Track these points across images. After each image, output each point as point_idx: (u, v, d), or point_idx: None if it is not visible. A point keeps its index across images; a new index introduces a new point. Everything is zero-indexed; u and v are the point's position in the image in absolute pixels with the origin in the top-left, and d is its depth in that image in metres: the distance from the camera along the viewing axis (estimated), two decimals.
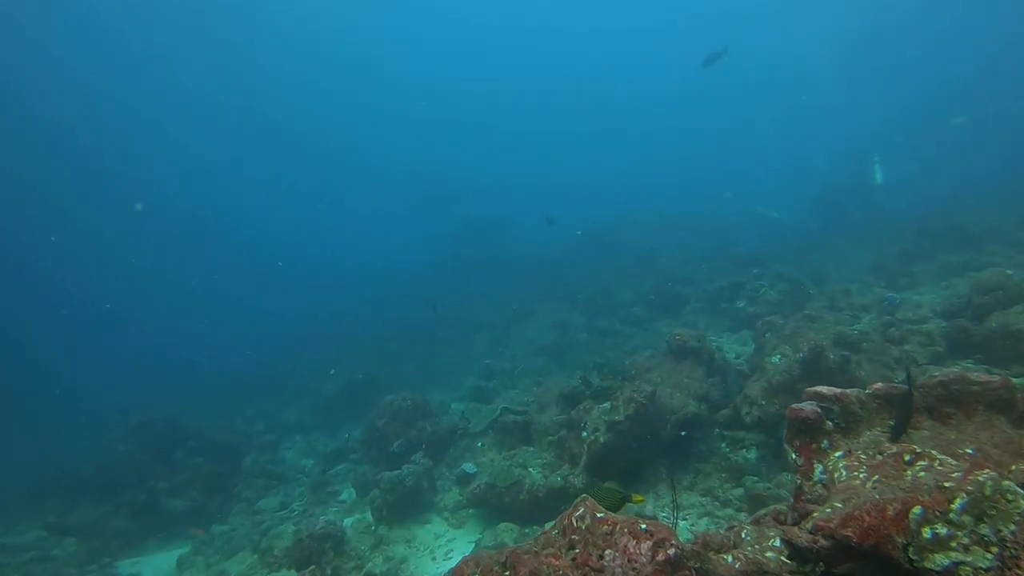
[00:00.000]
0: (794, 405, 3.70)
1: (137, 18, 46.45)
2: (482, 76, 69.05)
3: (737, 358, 12.11)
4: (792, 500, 3.65)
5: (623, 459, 8.42)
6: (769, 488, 7.12)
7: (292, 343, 28.12)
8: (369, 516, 10.31)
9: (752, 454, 9.26)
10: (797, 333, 10.11)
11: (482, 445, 10.66)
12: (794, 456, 3.64)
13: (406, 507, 9.80)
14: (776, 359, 8.98)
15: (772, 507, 4.05)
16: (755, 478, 7.47)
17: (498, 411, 10.87)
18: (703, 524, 7.75)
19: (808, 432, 3.59)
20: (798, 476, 3.61)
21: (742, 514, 7.79)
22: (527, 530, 8.50)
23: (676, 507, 7.07)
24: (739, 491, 8.22)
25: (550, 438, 9.72)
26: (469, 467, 9.34)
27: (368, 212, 60.39)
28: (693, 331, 10.41)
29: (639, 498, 4.62)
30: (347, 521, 10.68)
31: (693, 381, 9.62)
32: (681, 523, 7.91)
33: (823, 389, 3.83)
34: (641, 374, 10.02)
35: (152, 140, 57.63)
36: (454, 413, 15.61)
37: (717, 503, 8.22)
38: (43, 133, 48.94)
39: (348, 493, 13.22)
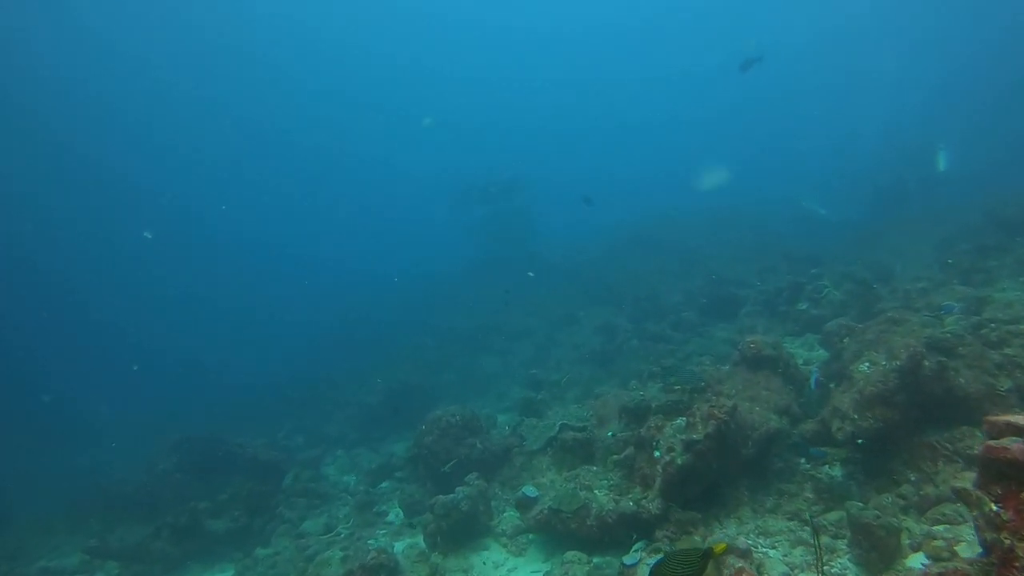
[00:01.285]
0: (993, 443, 2.93)
1: (158, 22, 46.87)
2: (511, 75, 68.46)
3: (805, 365, 11.25)
4: (996, 567, 2.86)
5: (701, 481, 7.65)
6: (878, 516, 6.29)
7: (328, 354, 27.77)
8: (421, 542, 9.67)
9: (837, 471, 8.43)
10: (882, 338, 9.23)
11: (541, 464, 9.96)
12: (995, 508, 2.87)
13: (461, 533, 9.15)
14: (865, 367, 8.12)
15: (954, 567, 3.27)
16: (859, 504, 6.64)
17: (557, 428, 10.16)
18: (798, 554, 6.94)
19: (1019, 477, 2.81)
20: (1005, 535, 2.84)
21: (840, 542, 6.98)
22: (596, 559, 7.78)
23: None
24: (833, 515, 7.39)
25: (615, 457, 8.98)
26: (530, 490, 8.65)
27: (399, 217, 60.19)
28: (768, 338, 9.60)
29: (721, 547, 3.89)
30: (398, 547, 10.07)
31: (772, 393, 8.81)
32: (771, 552, 7.12)
33: (1017, 419, 3.05)
34: (712, 385, 9.24)
35: (179, 153, 58.22)
36: (502, 426, 14.97)
37: (809, 529, 7.40)
38: (69, 150, 49.69)
39: (395, 514, 12.64)
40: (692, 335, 16.51)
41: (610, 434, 9.84)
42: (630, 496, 8.02)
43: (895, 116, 35.76)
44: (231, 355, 33.67)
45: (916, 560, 6.23)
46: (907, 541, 6.44)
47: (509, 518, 9.63)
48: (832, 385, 10.00)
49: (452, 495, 9.22)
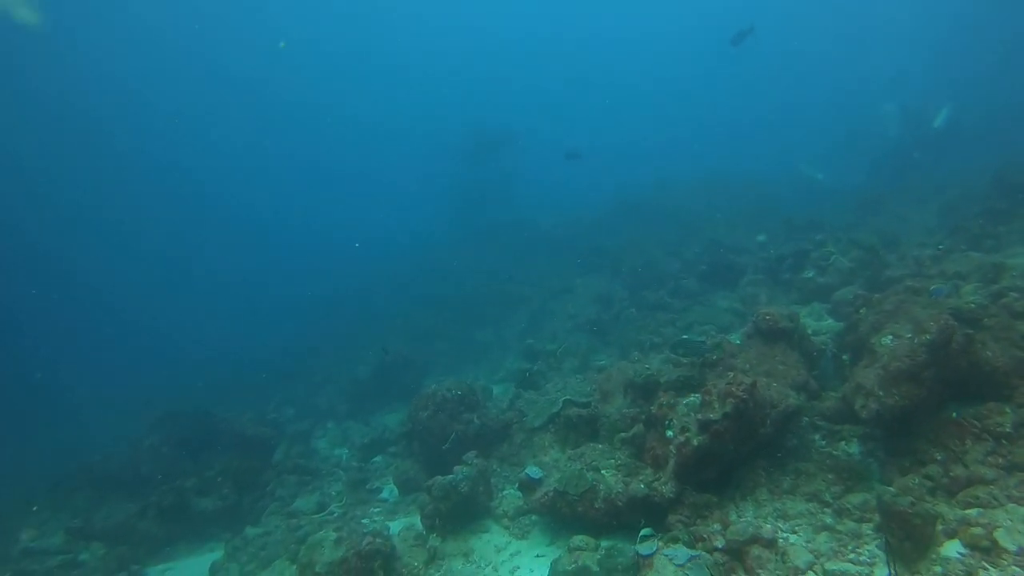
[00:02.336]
0: None
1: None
2: (505, 34, 66.62)
3: (815, 335, 10.81)
4: None
5: (718, 463, 7.23)
6: (914, 504, 5.88)
7: (317, 326, 27.17)
8: (418, 523, 9.25)
9: (854, 448, 8.05)
10: (902, 308, 8.81)
11: (542, 441, 9.52)
12: None
13: (461, 515, 8.72)
14: (888, 340, 7.65)
15: None
16: (891, 490, 6.21)
17: (560, 404, 9.70)
18: (822, 540, 6.55)
19: None
20: None
21: (865, 526, 6.60)
22: (604, 542, 7.36)
23: None
24: (856, 498, 6.99)
25: (623, 435, 8.54)
26: (534, 471, 8.20)
27: (387, 185, 58.99)
28: (784, 309, 9.12)
29: None
30: (393, 527, 9.64)
31: (788, 368, 8.37)
32: (793, 538, 6.72)
33: None
34: (724, 359, 8.77)
35: (164, 124, 56.50)
36: (498, 398, 14.55)
37: (830, 512, 7.00)
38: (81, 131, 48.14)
39: (389, 490, 12.25)
40: (692, 303, 16.05)
41: (615, 410, 9.40)
42: (640, 478, 7.59)
43: (898, 75, 34.95)
44: (217, 328, 33.02)
45: (952, 548, 5.84)
46: (940, 527, 6.05)
47: (510, 498, 9.21)
48: (845, 358, 9.60)
49: (451, 476, 8.76)
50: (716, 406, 7.07)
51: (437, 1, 64.65)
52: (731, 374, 7.36)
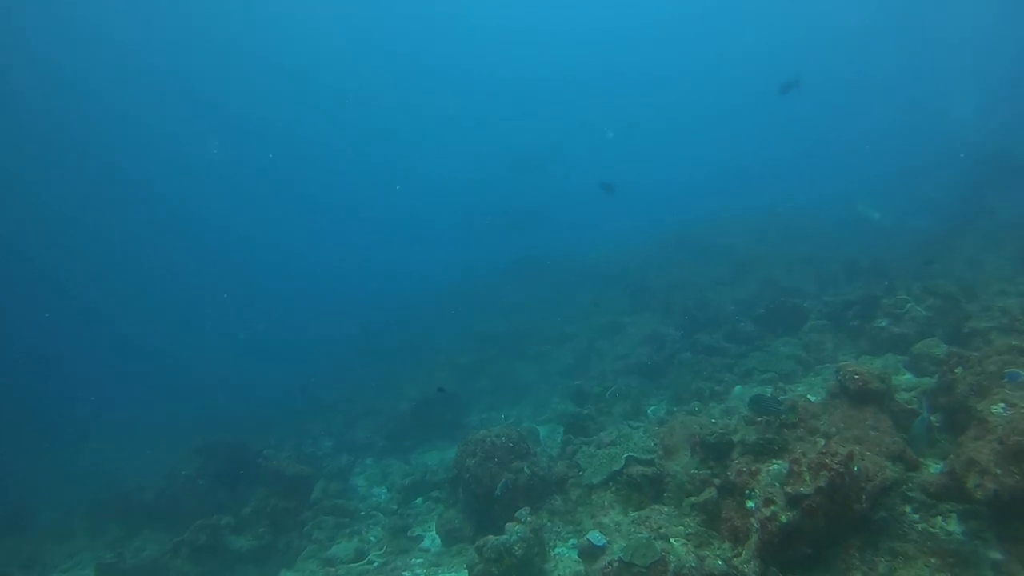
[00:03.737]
0: None
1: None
2: (545, 73, 66.83)
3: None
4: None
5: (807, 542, 6.45)
6: None
7: (357, 358, 26.85)
8: None
9: (955, 526, 7.15)
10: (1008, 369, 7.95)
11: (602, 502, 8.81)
12: None
13: None
14: (1000, 409, 6.85)
15: None
16: None
17: (623, 460, 9.00)
18: None
19: None
20: None
21: None
22: None
23: None
24: None
25: (692, 499, 7.82)
26: (596, 538, 7.51)
27: (427, 219, 58.99)
28: (874, 368, 8.32)
29: None
30: None
31: (882, 435, 7.56)
32: None
33: None
34: (805, 420, 8.01)
35: (197, 151, 57.77)
36: (545, 443, 13.90)
37: None
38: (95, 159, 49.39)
39: (431, 539, 11.61)
40: (750, 348, 15.21)
41: (683, 470, 8.68)
42: (717, 551, 6.86)
43: (963, 107, 33.71)
44: (255, 358, 33.03)
45: None
46: None
47: (566, 562, 8.51)
48: (934, 419, 8.73)
49: (504, 537, 8.12)
50: (807, 478, 6.33)
51: (481, 35, 65.46)
52: (822, 442, 6.62)
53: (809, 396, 10.83)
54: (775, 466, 6.95)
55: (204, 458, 15.80)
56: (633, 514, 8.30)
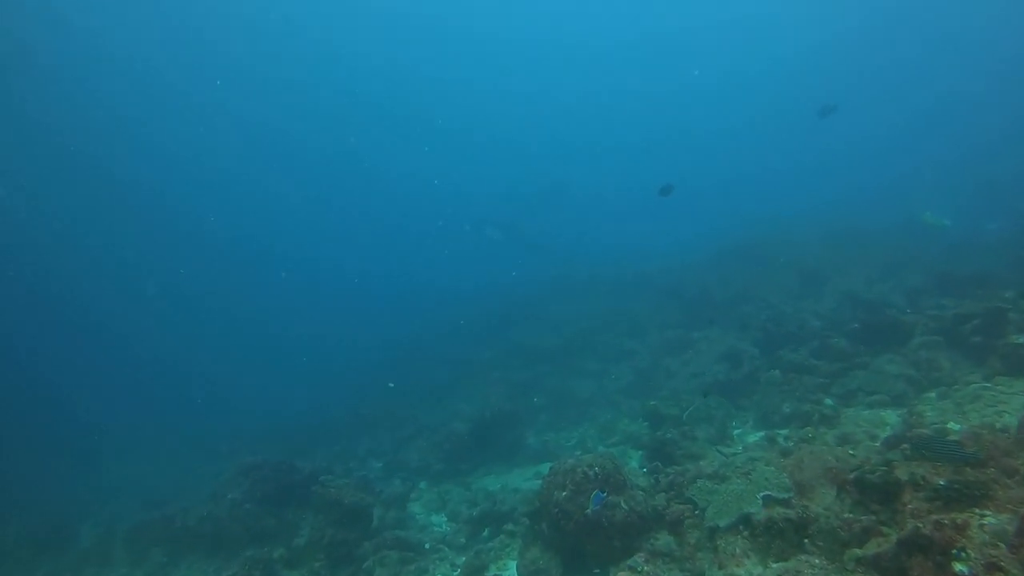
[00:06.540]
0: None
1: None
2: (590, 84, 65.92)
3: None
4: None
5: None
6: None
7: (403, 372, 25.72)
8: None
9: None
10: None
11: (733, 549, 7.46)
12: None
13: None
14: None
15: None
16: None
17: (760, 500, 7.66)
18: None
19: None
20: None
21: None
22: None
23: None
24: None
25: (857, 552, 6.46)
26: None
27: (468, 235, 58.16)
28: None
29: None
30: None
31: None
32: None
33: None
34: (996, 458, 6.63)
35: (237, 175, 57.69)
36: (636, 474, 12.55)
37: None
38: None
39: None
40: (847, 366, 13.75)
41: (826, 511, 7.32)
42: None
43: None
44: (297, 373, 32.19)
45: None
46: None
47: None
48: None
49: None
50: None
51: (521, 54, 64.86)
52: None
53: (951, 425, 9.43)
54: (988, 519, 5.59)
55: (251, 480, 14.72)
56: (775, 566, 6.99)
